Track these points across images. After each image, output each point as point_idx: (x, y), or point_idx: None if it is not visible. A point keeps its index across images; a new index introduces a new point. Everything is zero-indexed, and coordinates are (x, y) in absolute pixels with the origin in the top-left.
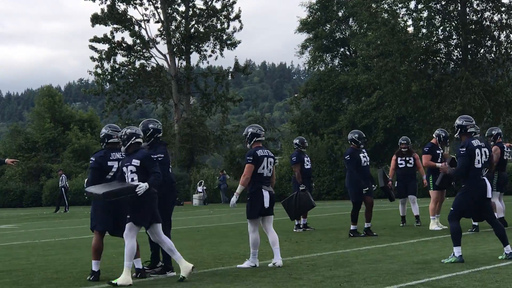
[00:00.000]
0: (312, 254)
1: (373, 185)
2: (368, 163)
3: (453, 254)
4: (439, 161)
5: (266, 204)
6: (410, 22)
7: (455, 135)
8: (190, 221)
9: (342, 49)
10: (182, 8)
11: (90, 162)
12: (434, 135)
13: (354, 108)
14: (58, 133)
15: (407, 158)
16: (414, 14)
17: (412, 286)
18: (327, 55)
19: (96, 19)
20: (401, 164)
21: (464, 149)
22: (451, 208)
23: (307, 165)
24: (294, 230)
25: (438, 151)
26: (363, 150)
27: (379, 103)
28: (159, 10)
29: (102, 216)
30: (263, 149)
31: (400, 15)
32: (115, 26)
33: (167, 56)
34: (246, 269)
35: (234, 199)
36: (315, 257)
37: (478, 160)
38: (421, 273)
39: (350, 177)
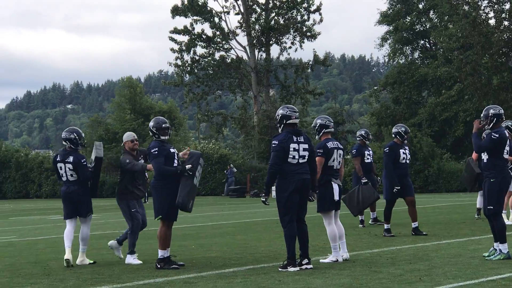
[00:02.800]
0: (391, 247)
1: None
2: (408, 161)
3: (501, 251)
4: None
5: (336, 197)
6: (491, 14)
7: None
8: (268, 213)
9: (422, 42)
10: (262, 0)
11: None
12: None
13: (434, 101)
14: (138, 124)
15: None
16: (496, 6)
17: (493, 281)
18: (407, 47)
19: (176, 11)
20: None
21: None
22: (491, 207)
23: (368, 159)
24: (360, 226)
25: None
26: (406, 146)
27: (459, 96)
28: (239, 2)
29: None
30: (333, 141)
31: (482, 7)
32: (195, 17)
33: (247, 48)
34: (330, 264)
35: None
36: (395, 251)
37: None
38: (502, 267)
39: (386, 172)
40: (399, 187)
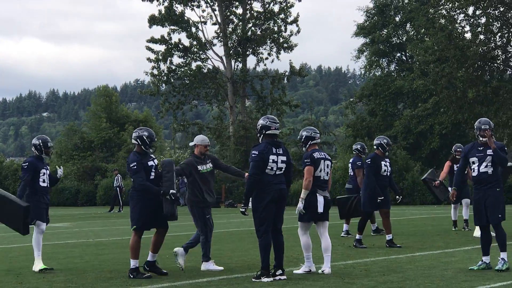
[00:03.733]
0: (365, 259)
1: (397, 196)
2: (388, 173)
3: (505, 260)
4: None
5: (320, 209)
6: (467, 28)
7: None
8: (243, 223)
9: (398, 54)
10: (239, 11)
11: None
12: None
13: (409, 113)
14: (114, 133)
15: None
16: (472, 20)
17: None
18: (384, 60)
19: (153, 20)
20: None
21: None
22: (500, 215)
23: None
24: (342, 235)
25: None
26: (387, 158)
27: (435, 109)
28: (216, 12)
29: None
30: (319, 152)
31: (458, 21)
32: (172, 27)
33: (224, 58)
34: (304, 275)
35: (300, 205)
36: (368, 262)
37: None
38: (475, 280)
39: (366, 183)
40: (382, 197)
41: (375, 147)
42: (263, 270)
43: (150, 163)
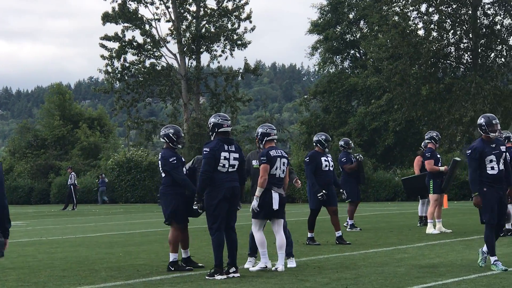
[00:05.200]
0: (319, 256)
1: (341, 190)
2: (331, 168)
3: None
4: (440, 164)
5: (275, 206)
6: (420, 25)
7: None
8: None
9: (352, 51)
10: (193, 8)
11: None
12: (427, 140)
13: (363, 110)
14: (67, 130)
15: None
16: (425, 17)
17: None
18: (337, 57)
19: (107, 18)
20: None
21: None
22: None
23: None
24: (348, 229)
25: (438, 155)
26: (328, 154)
27: (388, 106)
28: (170, 10)
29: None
30: (276, 149)
31: (411, 18)
32: (125, 24)
33: (177, 55)
34: (258, 272)
35: (255, 202)
36: (322, 259)
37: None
38: (428, 276)
39: (308, 181)
40: (322, 194)
41: (314, 144)
42: (217, 268)
43: (183, 158)
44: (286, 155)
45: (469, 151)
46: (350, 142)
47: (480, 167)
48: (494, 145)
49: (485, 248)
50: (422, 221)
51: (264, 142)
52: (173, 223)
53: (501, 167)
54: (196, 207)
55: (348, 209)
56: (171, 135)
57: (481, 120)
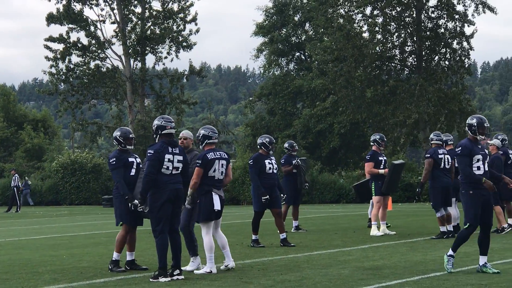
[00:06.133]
0: (263, 258)
1: (282, 195)
2: (275, 170)
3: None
4: (381, 167)
5: (217, 207)
6: (365, 27)
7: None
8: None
9: (297, 54)
10: (138, 10)
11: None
12: (372, 142)
13: (308, 112)
14: (11, 132)
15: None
16: (369, 20)
17: None
18: (283, 59)
19: (51, 19)
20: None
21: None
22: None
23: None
24: (292, 231)
25: (380, 158)
26: (272, 156)
27: (333, 108)
28: (115, 11)
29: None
30: (215, 152)
31: (356, 21)
32: (70, 26)
33: (122, 57)
34: (202, 275)
35: (187, 203)
36: (266, 261)
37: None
38: (371, 278)
39: (252, 183)
40: (267, 197)
41: (258, 146)
42: (161, 270)
43: (131, 159)
44: (226, 156)
45: (459, 148)
46: (294, 144)
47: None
48: (480, 146)
49: (481, 261)
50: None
51: (204, 144)
52: (124, 224)
53: (486, 168)
54: (141, 209)
55: (292, 212)
56: (118, 137)
57: (472, 120)
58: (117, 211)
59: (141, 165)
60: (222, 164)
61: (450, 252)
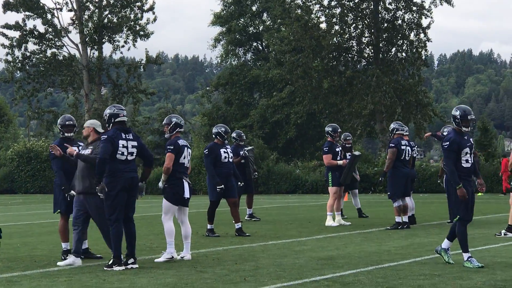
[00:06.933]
0: (218, 247)
1: (239, 183)
2: (230, 160)
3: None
4: (338, 158)
5: (187, 194)
6: (323, 18)
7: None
8: None
9: (255, 44)
10: None
11: None
12: (326, 134)
13: (265, 103)
14: None
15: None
16: (327, 10)
17: (316, 281)
18: (240, 49)
19: (7, 6)
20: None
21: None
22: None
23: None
24: (246, 218)
25: (337, 149)
26: (227, 146)
27: (290, 98)
28: None
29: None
30: (182, 139)
31: (314, 11)
32: (27, 13)
33: (79, 45)
34: (164, 263)
35: (161, 183)
36: (221, 251)
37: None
38: (326, 268)
39: (207, 173)
40: (222, 186)
41: (213, 136)
42: (115, 259)
43: (74, 147)
44: (189, 146)
45: (447, 143)
46: (242, 134)
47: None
48: (466, 137)
49: (444, 245)
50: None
51: (174, 131)
52: (60, 213)
53: (472, 160)
54: (100, 190)
55: (246, 201)
56: (58, 125)
57: (456, 112)
58: (55, 199)
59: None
60: (189, 153)
61: (465, 255)
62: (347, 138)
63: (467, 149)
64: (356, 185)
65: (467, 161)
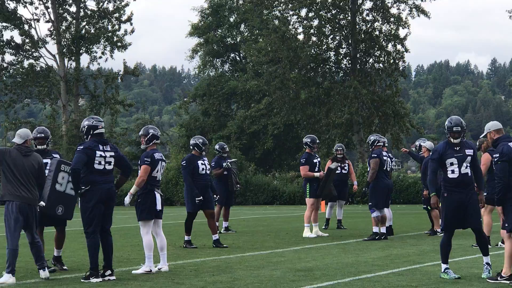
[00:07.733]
0: (196, 259)
1: (215, 196)
2: (207, 171)
3: (489, 265)
4: (316, 170)
5: (159, 206)
6: (300, 29)
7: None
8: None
9: (232, 55)
10: (73, 9)
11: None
12: (304, 145)
13: (243, 114)
14: None
15: (342, 164)
16: (304, 22)
17: None
18: (218, 60)
19: None
20: (337, 170)
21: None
22: (480, 219)
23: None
24: (222, 231)
25: (314, 160)
26: (204, 157)
27: (268, 109)
28: (50, 10)
29: None
30: (158, 152)
31: (291, 23)
32: (3, 24)
33: (57, 56)
34: (142, 275)
35: (127, 198)
36: (198, 262)
37: None
38: (303, 280)
39: (185, 184)
40: (200, 198)
41: (191, 147)
42: (92, 271)
43: (45, 160)
44: (165, 159)
45: (431, 152)
46: (225, 146)
47: (443, 171)
48: (458, 148)
49: (486, 260)
50: (329, 224)
51: (151, 143)
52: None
53: (464, 170)
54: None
55: (223, 213)
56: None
57: (446, 123)
58: None
59: (49, 167)
60: (163, 166)
61: (443, 266)
62: (338, 149)
63: (453, 160)
64: (344, 197)
65: (453, 171)
